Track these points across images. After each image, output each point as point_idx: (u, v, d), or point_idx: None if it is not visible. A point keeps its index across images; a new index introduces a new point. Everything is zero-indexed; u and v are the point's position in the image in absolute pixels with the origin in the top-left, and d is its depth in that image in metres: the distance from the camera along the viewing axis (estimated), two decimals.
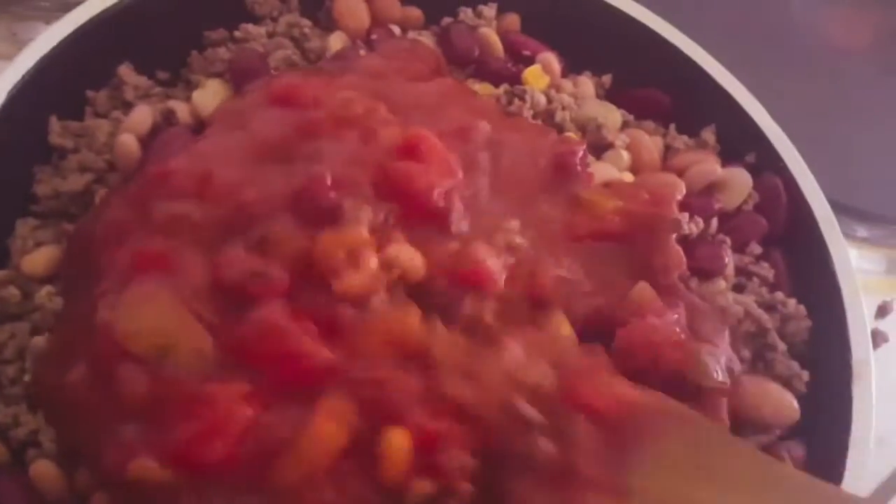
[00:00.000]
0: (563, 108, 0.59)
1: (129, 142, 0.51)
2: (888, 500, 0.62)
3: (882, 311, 0.69)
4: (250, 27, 0.59)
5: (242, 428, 0.39)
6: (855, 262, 0.72)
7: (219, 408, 0.39)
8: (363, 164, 0.45)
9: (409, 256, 0.43)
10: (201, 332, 0.41)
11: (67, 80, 0.53)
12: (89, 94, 0.55)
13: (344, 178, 0.44)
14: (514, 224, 0.47)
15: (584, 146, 0.53)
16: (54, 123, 0.53)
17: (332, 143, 0.46)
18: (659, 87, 0.62)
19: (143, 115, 0.53)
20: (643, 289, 0.46)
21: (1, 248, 0.50)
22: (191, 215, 0.44)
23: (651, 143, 0.60)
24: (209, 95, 0.54)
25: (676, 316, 0.45)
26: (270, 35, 0.59)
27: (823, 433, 0.49)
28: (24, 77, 0.50)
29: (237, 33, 0.59)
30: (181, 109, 0.53)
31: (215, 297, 0.41)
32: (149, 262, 0.43)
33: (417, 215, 0.44)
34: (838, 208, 0.67)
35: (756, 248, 0.57)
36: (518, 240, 0.46)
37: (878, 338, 0.67)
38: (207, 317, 0.41)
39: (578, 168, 0.52)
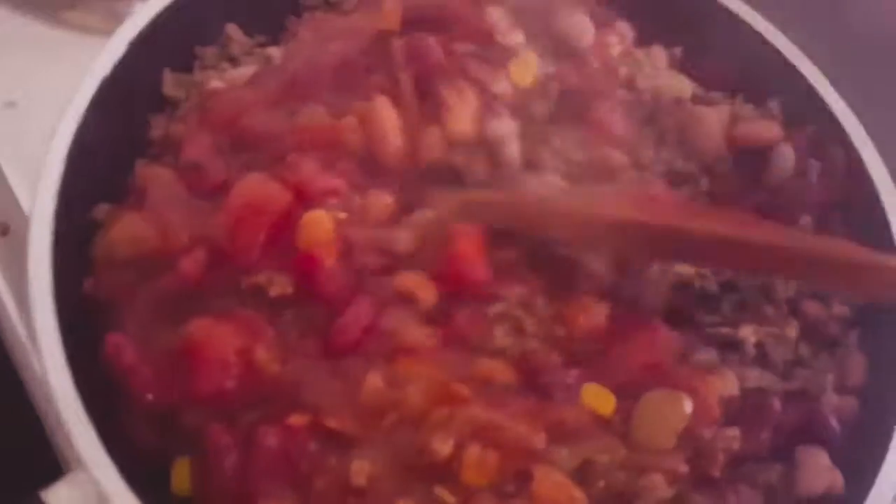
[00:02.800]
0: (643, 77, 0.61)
1: (216, 86, 0.56)
2: None
3: None
4: None
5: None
6: None
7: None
8: None
9: None
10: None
11: (178, 38, 0.58)
12: (198, 50, 0.60)
13: None
14: None
15: None
16: (167, 76, 0.58)
17: None
18: (727, 60, 0.64)
19: (244, 71, 0.57)
20: None
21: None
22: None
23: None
24: None
25: None
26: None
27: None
28: (140, 34, 0.55)
29: None
30: (276, 55, 0.58)
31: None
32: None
33: None
34: None
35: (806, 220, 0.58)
36: None
37: None
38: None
39: None
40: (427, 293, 0.46)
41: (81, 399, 0.43)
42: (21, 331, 0.56)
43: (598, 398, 0.46)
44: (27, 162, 0.62)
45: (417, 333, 0.45)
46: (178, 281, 0.46)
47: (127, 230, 0.48)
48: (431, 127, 0.51)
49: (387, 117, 0.50)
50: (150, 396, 0.45)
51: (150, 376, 0.45)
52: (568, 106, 0.56)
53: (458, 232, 0.47)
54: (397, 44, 0.53)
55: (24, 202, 0.61)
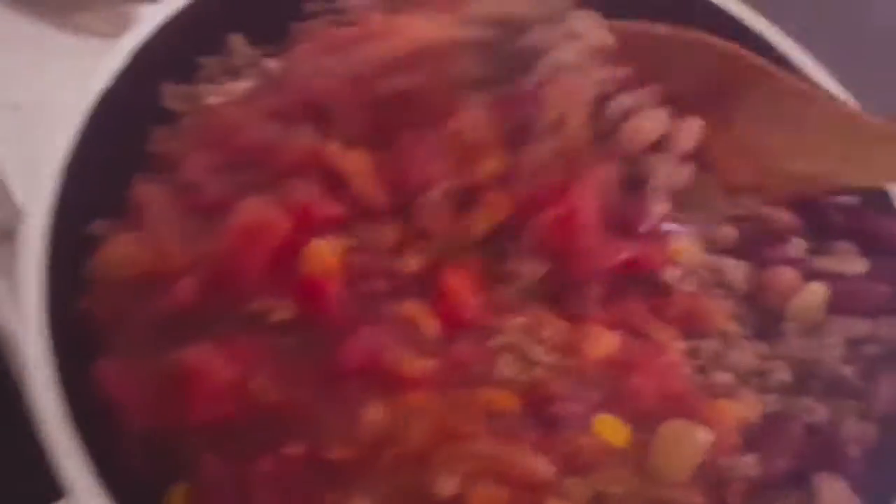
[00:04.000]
0: None
1: (214, 101, 0.55)
2: None
3: None
4: None
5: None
6: None
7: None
8: None
9: None
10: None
11: (181, 48, 0.57)
12: (201, 60, 0.59)
13: None
14: None
15: None
16: (168, 88, 0.57)
17: None
18: None
19: (243, 85, 0.56)
20: None
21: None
22: None
23: None
24: None
25: None
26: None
27: None
28: (142, 44, 0.54)
29: (336, 3, 0.61)
30: (274, 66, 0.57)
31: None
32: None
33: None
34: None
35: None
36: None
37: None
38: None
39: None
40: (429, 323, 0.45)
41: (73, 424, 0.42)
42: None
43: (612, 429, 0.45)
44: (31, 166, 0.60)
45: (419, 364, 0.43)
46: (173, 304, 0.44)
47: (122, 250, 0.47)
48: None
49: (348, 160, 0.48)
50: (142, 422, 0.44)
51: (142, 402, 0.44)
52: None
53: (450, 269, 0.46)
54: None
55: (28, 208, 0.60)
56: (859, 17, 0.82)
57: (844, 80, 0.59)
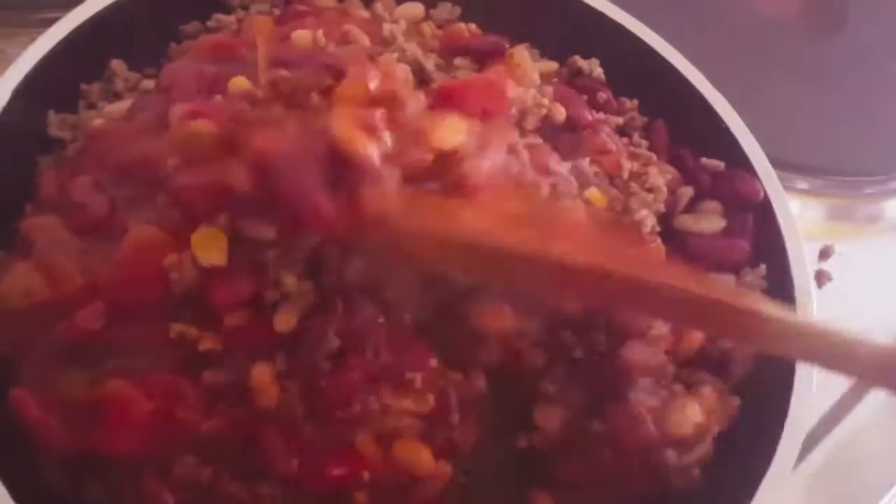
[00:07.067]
0: None
1: (97, 123, 0.54)
2: (828, 433, 0.68)
3: (824, 254, 0.75)
4: (221, 17, 0.63)
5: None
6: (797, 212, 0.78)
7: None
8: None
9: None
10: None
11: (64, 77, 0.58)
12: (83, 87, 0.60)
13: None
14: None
15: None
16: (52, 117, 0.57)
17: None
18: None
19: (122, 105, 0.57)
20: None
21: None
22: None
23: None
24: None
25: None
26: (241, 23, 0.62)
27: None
28: (26, 76, 0.54)
29: (210, 23, 0.63)
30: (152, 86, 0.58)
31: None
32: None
33: None
34: (781, 164, 0.73)
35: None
36: None
37: (822, 277, 0.73)
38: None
39: None
40: None
41: None
42: None
43: None
44: None
45: None
46: (77, 331, 0.45)
47: (16, 281, 0.46)
48: None
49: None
50: (60, 446, 0.44)
51: (58, 427, 0.44)
52: None
53: None
54: (261, 45, 0.51)
55: None
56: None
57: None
